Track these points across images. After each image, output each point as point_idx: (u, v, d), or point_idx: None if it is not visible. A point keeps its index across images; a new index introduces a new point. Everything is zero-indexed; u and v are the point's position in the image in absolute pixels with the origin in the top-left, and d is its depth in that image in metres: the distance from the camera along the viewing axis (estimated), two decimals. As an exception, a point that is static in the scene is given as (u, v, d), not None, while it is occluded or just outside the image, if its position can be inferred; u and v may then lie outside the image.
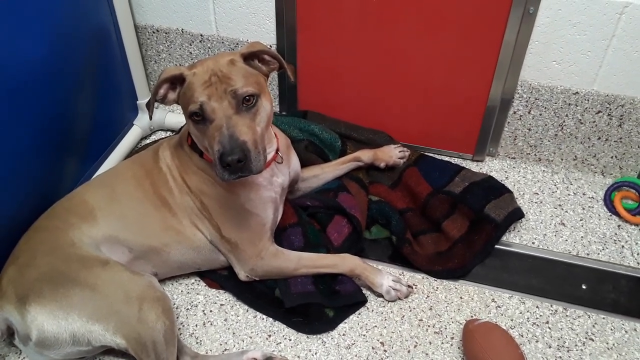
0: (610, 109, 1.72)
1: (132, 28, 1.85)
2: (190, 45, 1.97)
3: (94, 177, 1.60)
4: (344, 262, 1.48)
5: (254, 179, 1.40)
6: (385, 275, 1.49)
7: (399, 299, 1.48)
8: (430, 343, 1.40)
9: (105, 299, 1.25)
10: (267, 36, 1.86)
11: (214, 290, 1.53)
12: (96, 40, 1.71)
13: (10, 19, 1.35)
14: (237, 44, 1.91)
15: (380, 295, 1.49)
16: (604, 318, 1.45)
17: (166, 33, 1.96)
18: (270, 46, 1.88)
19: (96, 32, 1.71)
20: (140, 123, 1.98)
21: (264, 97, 1.29)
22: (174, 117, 1.99)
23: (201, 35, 1.93)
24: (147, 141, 2.01)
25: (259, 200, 1.42)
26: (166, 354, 1.24)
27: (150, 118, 1.40)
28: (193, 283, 1.54)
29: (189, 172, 1.42)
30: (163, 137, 1.99)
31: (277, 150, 1.47)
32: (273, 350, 1.39)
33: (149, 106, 1.35)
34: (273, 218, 1.47)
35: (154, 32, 1.97)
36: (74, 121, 1.65)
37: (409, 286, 1.50)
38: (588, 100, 1.72)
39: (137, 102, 1.98)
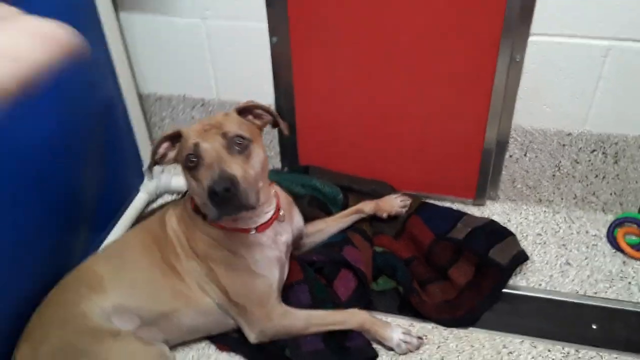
0: (605, 147, 1.76)
1: (135, 97, 1.92)
2: (192, 109, 2.04)
3: (102, 246, 1.63)
4: (352, 318, 1.49)
5: (257, 239, 1.43)
6: (395, 328, 1.49)
7: (410, 351, 1.48)
8: (444, 394, 1.39)
9: None
10: (266, 97, 1.93)
11: (225, 353, 1.53)
12: (102, 112, 1.77)
13: (20, 98, 1.40)
14: (237, 106, 1.97)
15: (390, 349, 1.48)
16: (616, 357, 1.44)
17: (169, 100, 2.03)
18: (270, 106, 1.94)
19: (102, 105, 1.77)
20: (146, 189, 2.02)
21: (257, 144, 1.34)
22: (180, 180, 2.04)
23: (202, 99, 2.00)
24: (154, 205, 2.05)
25: (264, 261, 1.44)
26: None
27: (151, 178, 1.45)
28: (204, 347, 1.54)
29: (195, 236, 1.45)
30: (168, 199, 2.03)
31: (279, 208, 1.50)
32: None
33: (150, 166, 1.40)
34: (279, 278, 1.48)
35: (157, 100, 2.04)
36: (81, 193, 1.69)
37: (419, 337, 1.49)
38: (582, 140, 1.76)
39: (143, 168, 2.03)
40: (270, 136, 2.01)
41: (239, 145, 1.28)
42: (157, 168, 2.05)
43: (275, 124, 1.46)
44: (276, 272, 1.46)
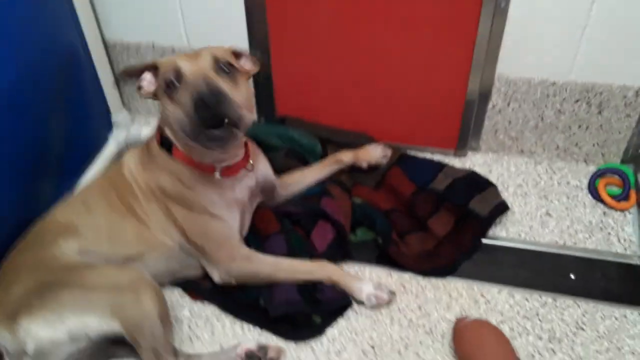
0: (589, 97, 1.72)
1: (101, 45, 1.84)
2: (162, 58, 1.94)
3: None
4: (321, 269, 1.46)
5: (220, 181, 1.38)
6: (365, 282, 1.46)
7: (380, 305, 1.45)
8: (421, 343, 1.38)
9: (96, 291, 1.24)
10: (239, 44, 1.83)
11: (199, 303, 1.50)
12: (65, 59, 1.68)
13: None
14: (211, 53, 1.89)
15: (362, 303, 1.46)
16: (593, 307, 1.43)
17: (137, 48, 1.94)
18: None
19: (65, 52, 1.68)
20: (116, 139, 1.95)
21: (243, 78, 1.29)
22: (150, 130, 1.97)
23: (173, 48, 1.91)
24: (126, 157, 1.98)
25: (222, 203, 1.40)
26: (162, 333, 1.23)
27: (121, 80, 1.38)
28: (177, 298, 1.51)
29: (154, 175, 1.40)
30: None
31: (248, 156, 1.45)
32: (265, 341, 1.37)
33: (117, 81, 1.36)
34: (240, 223, 1.45)
35: (124, 48, 1.95)
36: (48, 143, 1.62)
37: (391, 292, 1.46)
38: (566, 90, 1.72)
39: (112, 118, 1.95)
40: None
41: (227, 68, 1.22)
42: (126, 119, 1.99)
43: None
44: (236, 215, 1.43)
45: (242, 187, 1.45)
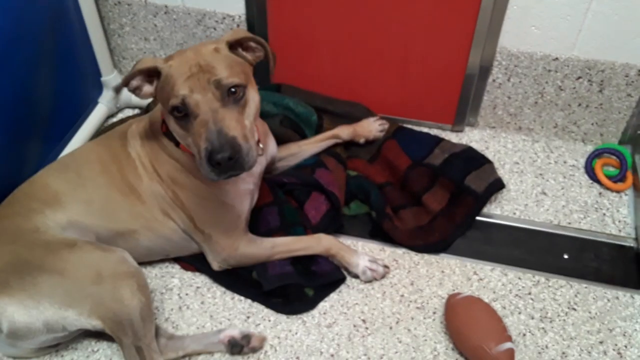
0: (591, 75, 1.69)
1: (91, 0, 1.75)
2: (155, 17, 1.87)
3: (57, 159, 1.53)
4: (319, 243, 1.44)
5: None
6: (362, 256, 1.45)
7: (375, 279, 1.45)
8: (413, 318, 1.37)
9: (76, 283, 1.20)
10: (235, 5, 1.78)
11: (190, 273, 1.48)
12: (54, 15, 1.61)
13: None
14: (204, 14, 1.82)
15: (356, 276, 1.45)
16: (586, 287, 1.44)
17: (129, 5, 1.86)
18: (239, 16, 1.80)
19: (53, 7, 1.60)
20: (106, 101, 1.89)
21: (251, 87, 1.22)
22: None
23: (166, 6, 1.84)
24: (114, 119, 1.92)
25: (235, 192, 1.37)
26: (144, 330, 1.21)
27: (116, 97, 1.29)
28: (167, 266, 1.49)
29: (160, 159, 1.35)
30: (129, 114, 1.91)
31: (259, 141, 1.40)
32: (249, 329, 1.35)
33: (117, 90, 1.26)
34: (249, 208, 1.42)
35: (115, 5, 1.87)
36: (34, 101, 1.56)
37: (385, 266, 1.46)
38: (568, 66, 1.69)
39: (102, 79, 1.89)
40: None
41: (233, 95, 1.16)
42: (117, 80, 1.92)
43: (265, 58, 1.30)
44: (246, 203, 1.40)
45: (254, 175, 1.41)
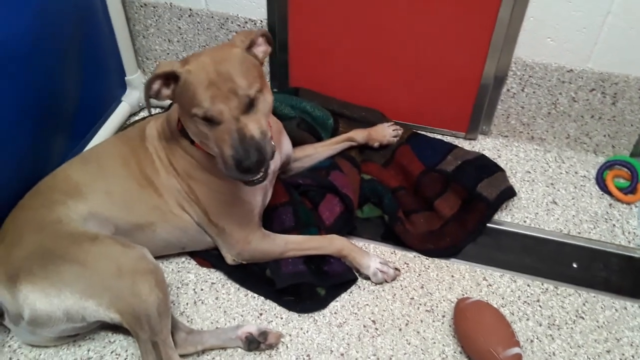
0: (604, 87, 1.71)
1: (119, 2, 1.80)
2: (179, 19, 1.92)
3: (79, 153, 1.57)
4: (331, 244, 1.48)
5: None
6: (373, 257, 1.48)
7: (386, 281, 1.48)
8: (422, 321, 1.40)
9: (97, 274, 1.24)
10: (257, 11, 1.82)
11: (205, 268, 1.52)
12: (82, 15, 1.66)
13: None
14: (227, 18, 1.87)
15: (367, 278, 1.48)
16: (594, 296, 1.46)
17: (154, 7, 1.91)
18: (261, 21, 1.84)
19: (82, 7, 1.66)
20: (129, 99, 1.95)
21: (265, 89, 1.26)
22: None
23: (190, 9, 1.89)
24: (136, 118, 1.98)
25: (248, 188, 1.40)
26: (160, 326, 1.24)
27: (149, 112, 1.34)
28: (184, 261, 1.53)
29: (177, 155, 1.40)
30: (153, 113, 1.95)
31: (271, 138, 1.44)
32: (266, 326, 1.38)
33: (146, 102, 1.28)
34: (262, 204, 1.46)
35: (141, 6, 1.92)
36: (60, 97, 1.61)
37: (396, 269, 1.49)
38: (582, 78, 1.71)
39: (126, 78, 1.94)
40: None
41: (251, 101, 1.21)
42: (140, 80, 1.98)
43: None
44: (259, 198, 1.43)
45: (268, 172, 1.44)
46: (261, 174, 1.24)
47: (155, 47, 2.03)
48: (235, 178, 1.22)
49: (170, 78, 1.24)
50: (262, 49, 1.31)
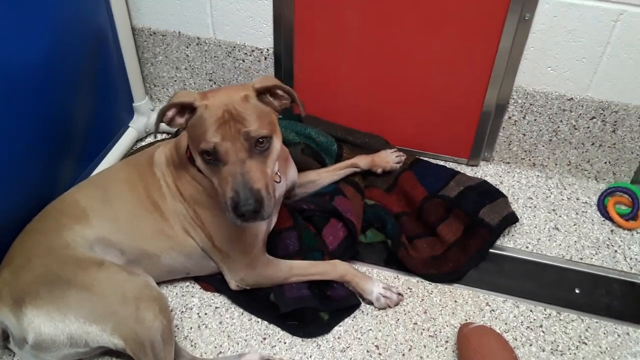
0: (604, 115, 1.74)
1: (129, 30, 1.85)
2: (187, 48, 1.97)
3: (88, 178, 1.60)
4: (334, 269, 1.49)
5: None
6: (376, 283, 1.49)
7: (389, 306, 1.48)
8: (425, 346, 1.40)
9: (102, 300, 1.25)
10: (264, 40, 1.87)
11: (209, 293, 1.53)
12: (93, 42, 1.71)
13: (8, 21, 1.35)
14: (234, 47, 1.91)
15: (370, 303, 1.49)
16: (597, 322, 1.46)
17: (163, 36, 1.96)
18: (267, 50, 1.88)
19: (94, 35, 1.70)
20: (136, 125, 1.98)
21: (276, 137, 1.28)
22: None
23: (198, 38, 1.93)
24: (143, 143, 2.01)
25: None
26: (164, 353, 1.24)
27: (155, 137, 1.37)
28: (188, 286, 1.54)
29: (184, 180, 1.42)
30: (159, 139, 1.98)
31: (277, 170, 1.46)
32: (269, 353, 1.38)
33: (155, 126, 1.30)
34: (266, 230, 1.47)
35: (150, 35, 1.97)
36: (70, 123, 1.65)
37: (399, 294, 1.50)
38: (582, 106, 1.74)
39: (133, 104, 1.98)
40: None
41: (260, 146, 1.22)
42: (147, 106, 2.01)
43: (292, 102, 1.33)
44: (264, 224, 1.44)
45: None
46: (252, 221, 1.24)
47: (163, 74, 2.07)
48: (231, 220, 1.23)
49: (185, 108, 1.27)
50: (281, 102, 1.31)
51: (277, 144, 1.28)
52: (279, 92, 1.30)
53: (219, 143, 1.20)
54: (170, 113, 1.28)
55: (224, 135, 1.20)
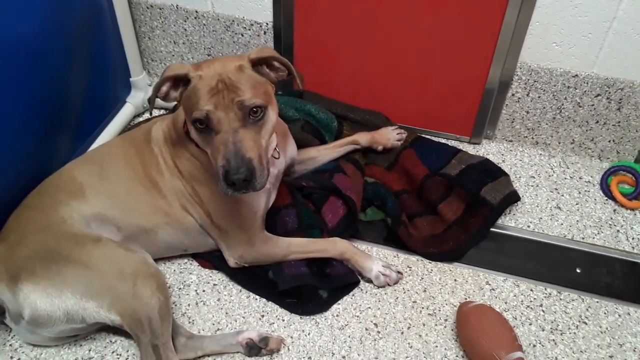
0: (610, 93, 1.71)
1: (125, 4, 1.82)
2: (185, 21, 1.93)
3: (84, 154, 1.58)
4: (334, 247, 1.47)
5: None
6: (375, 261, 1.48)
7: (388, 284, 1.47)
8: (424, 325, 1.40)
9: (99, 276, 1.24)
10: (263, 13, 1.83)
11: (207, 270, 1.52)
12: (89, 15, 1.67)
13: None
14: (233, 21, 1.87)
15: (369, 281, 1.48)
16: (597, 302, 1.45)
17: (160, 9, 1.92)
18: (267, 24, 1.85)
19: (89, 7, 1.67)
20: (134, 100, 1.95)
21: (271, 107, 1.25)
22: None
23: (196, 11, 1.90)
24: (140, 119, 1.98)
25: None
26: (161, 329, 1.24)
27: (151, 113, 1.36)
28: (186, 263, 1.53)
29: (182, 157, 1.40)
30: (157, 115, 1.95)
31: (275, 146, 1.44)
32: (267, 331, 1.38)
33: (150, 102, 1.29)
34: (265, 206, 1.46)
35: (148, 8, 1.93)
36: (65, 97, 1.62)
37: (398, 272, 1.49)
38: (587, 83, 1.71)
39: (131, 79, 1.95)
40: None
41: (254, 115, 1.20)
42: (145, 81, 1.98)
43: (288, 75, 1.31)
44: (262, 201, 1.43)
45: (271, 176, 1.43)
46: (243, 191, 1.21)
47: (161, 48, 2.04)
48: (222, 190, 1.21)
49: (179, 81, 1.25)
50: (278, 74, 1.28)
51: (272, 115, 1.25)
52: (276, 63, 1.27)
53: (212, 111, 1.18)
54: (164, 88, 1.25)
55: (217, 104, 1.18)
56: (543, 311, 1.42)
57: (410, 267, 1.53)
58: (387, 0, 1.69)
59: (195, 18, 1.91)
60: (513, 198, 1.64)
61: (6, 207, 1.38)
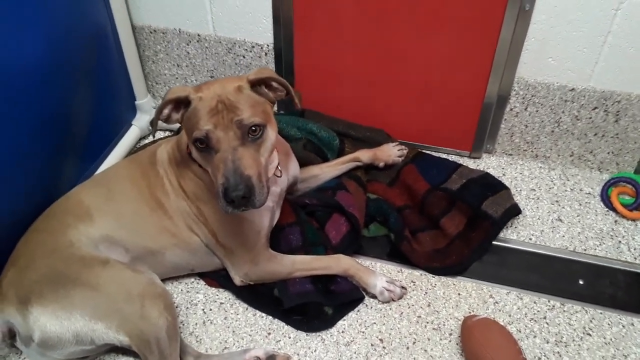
0: (607, 105, 1.73)
1: (129, 28, 1.86)
2: (188, 45, 1.97)
3: (92, 177, 1.61)
4: (338, 263, 1.49)
5: None
6: (379, 277, 1.49)
7: (392, 300, 1.49)
8: (429, 339, 1.41)
9: (107, 298, 1.26)
10: (264, 35, 1.87)
11: (214, 289, 1.54)
12: (93, 41, 1.71)
13: (7, 19, 1.35)
14: (234, 43, 1.91)
15: (374, 296, 1.49)
16: (601, 313, 1.46)
17: (163, 33, 1.97)
18: (267, 45, 1.88)
19: (93, 33, 1.71)
20: (139, 123, 1.99)
21: (270, 126, 1.28)
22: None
23: (198, 35, 1.94)
24: (146, 141, 2.01)
25: (256, 210, 1.42)
26: (169, 349, 1.25)
27: (154, 136, 1.39)
28: (193, 282, 1.55)
29: (186, 178, 1.42)
30: (162, 137, 1.99)
31: (277, 164, 1.46)
32: (274, 348, 1.39)
33: (153, 124, 1.32)
34: (269, 225, 1.48)
35: (151, 33, 1.98)
36: (72, 121, 1.65)
37: (402, 287, 1.50)
38: (584, 96, 1.73)
39: (136, 102, 1.99)
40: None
41: (252, 134, 1.23)
42: (150, 104, 2.02)
43: (287, 95, 1.33)
44: (266, 220, 1.45)
45: (273, 194, 1.46)
46: (243, 209, 1.23)
47: (165, 71, 2.07)
48: (222, 208, 1.23)
49: (181, 103, 1.27)
50: (276, 93, 1.31)
51: (271, 133, 1.28)
52: (274, 83, 1.30)
53: (211, 130, 1.21)
54: (166, 110, 1.28)
55: (216, 123, 1.21)
56: (547, 323, 1.43)
57: (414, 282, 1.54)
58: (384, 19, 1.73)
59: (197, 41, 1.95)
60: (514, 211, 1.66)
61: (15, 230, 1.41)
